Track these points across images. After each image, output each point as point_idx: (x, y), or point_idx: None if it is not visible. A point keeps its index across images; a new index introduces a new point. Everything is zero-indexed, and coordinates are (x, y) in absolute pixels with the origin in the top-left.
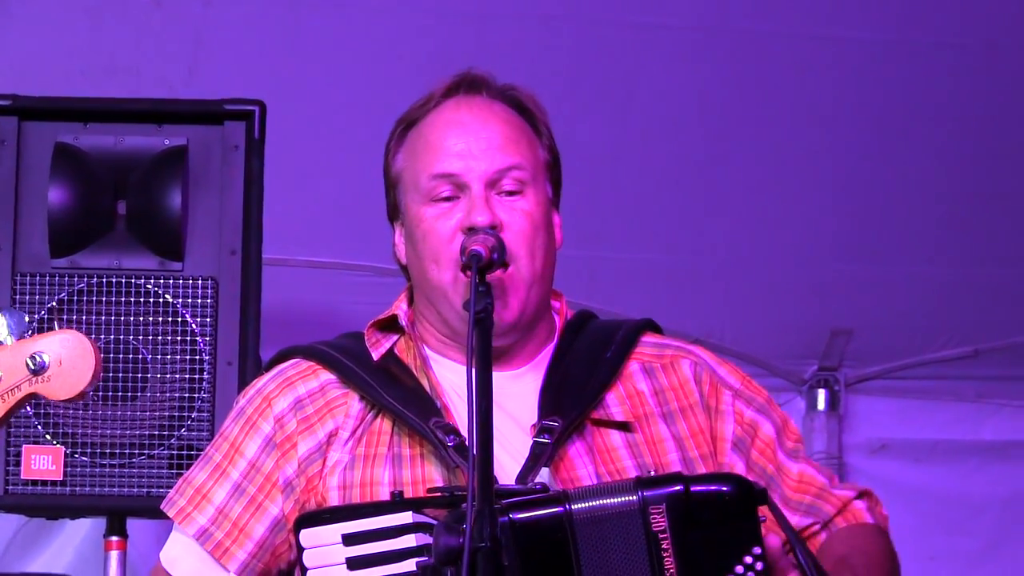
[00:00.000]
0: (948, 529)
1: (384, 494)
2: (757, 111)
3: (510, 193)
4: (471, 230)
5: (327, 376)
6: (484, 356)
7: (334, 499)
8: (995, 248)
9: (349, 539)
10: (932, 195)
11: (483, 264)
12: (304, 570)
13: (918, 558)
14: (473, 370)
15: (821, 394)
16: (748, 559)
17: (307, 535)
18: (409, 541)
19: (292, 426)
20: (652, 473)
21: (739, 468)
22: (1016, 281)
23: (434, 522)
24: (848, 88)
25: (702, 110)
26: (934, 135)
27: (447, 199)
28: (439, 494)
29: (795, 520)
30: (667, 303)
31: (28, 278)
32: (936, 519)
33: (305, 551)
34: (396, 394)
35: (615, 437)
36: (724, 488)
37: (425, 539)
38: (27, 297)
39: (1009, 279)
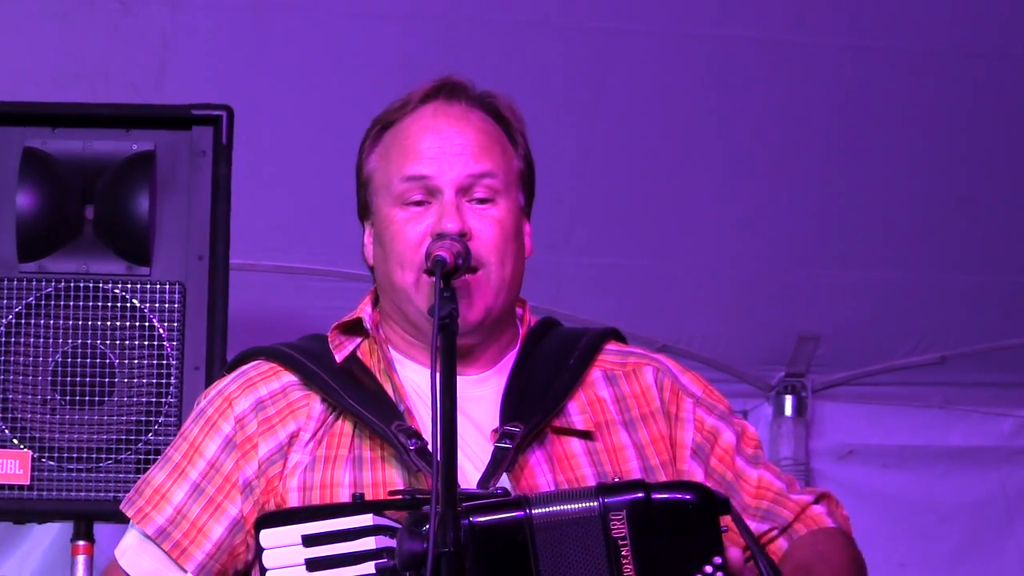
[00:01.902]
0: (917, 535)
1: (344, 496)
2: (724, 116)
3: (481, 201)
4: (439, 236)
5: (289, 378)
6: (448, 361)
7: (294, 500)
8: (963, 254)
9: (309, 540)
10: (900, 201)
11: (448, 270)
12: (263, 571)
13: (887, 564)
14: (437, 374)
15: (788, 400)
16: (708, 568)
17: (267, 536)
18: (369, 543)
19: (253, 427)
20: (615, 480)
21: (698, 475)
22: (983, 287)
23: (395, 524)
24: (816, 93)
25: (669, 115)
26: (902, 141)
27: (418, 203)
28: (400, 496)
29: (753, 526)
30: (634, 308)
31: None
32: (904, 525)
33: (265, 551)
34: (358, 396)
35: (575, 444)
36: (686, 496)
37: (385, 541)
38: None
39: (976, 285)
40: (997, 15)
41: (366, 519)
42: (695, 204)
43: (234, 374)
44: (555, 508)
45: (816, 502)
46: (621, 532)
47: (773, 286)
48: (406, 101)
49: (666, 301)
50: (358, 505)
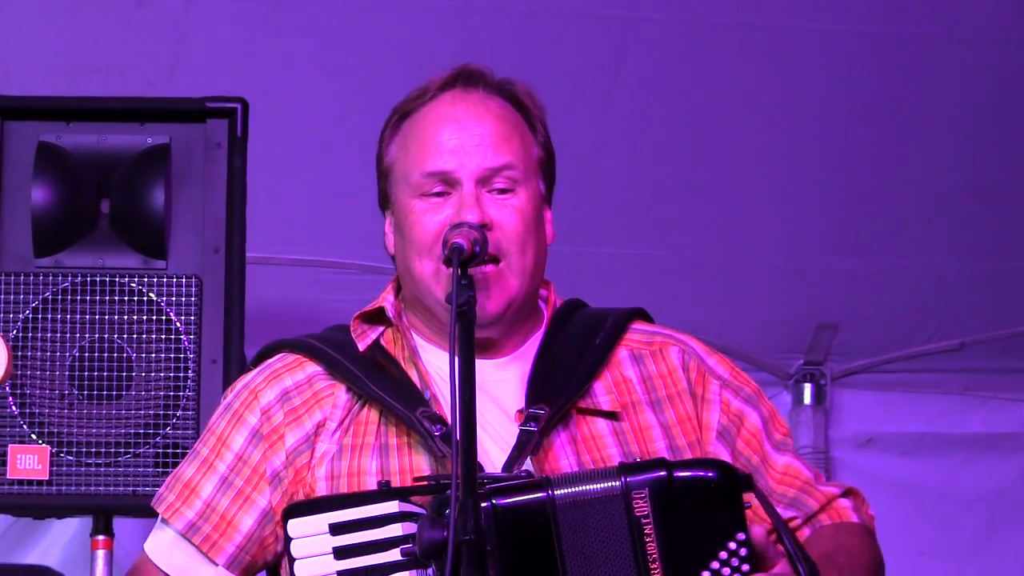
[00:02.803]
0: (937, 523)
1: (371, 484)
2: (742, 105)
3: (501, 191)
4: (457, 225)
5: (314, 368)
6: (467, 349)
7: (322, 489)
8: (980, 241)
9: (336, 528)
10: (917, 189)
11: (465, 257)
12: (292, 560)
13: (908, 552)
14: (456, 363)
15: (807, 388)
16: (732, 544)
17: (295, 525)
18: (396, 530)
19: (279, 418)
20: (637, 459)
21: (724, 457)
22: (1001, 274)
23: (421, 511)
24: (834, 82)
25: (687, 104)
26: (919, 129)
27: (438, 194)
28: (425, 483)
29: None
30: (652, 298)
31: (12, 277)
32: (925, 513)
33: (293, 541)
34: (383, 384)
35: (601, 425)
36: (708, 474)
37: (411, 528)
38: (11, 296)
39: (994, 272)
40: (1018, 1)
41: (392, 506)
42: (712, 193)
43: (259, 367)
44: (578, 488)
45: (843, 496)
46: (644, 511)
47: (791, 274)
48: (424, 90)
49: (684, 290)
50: (384, 492)
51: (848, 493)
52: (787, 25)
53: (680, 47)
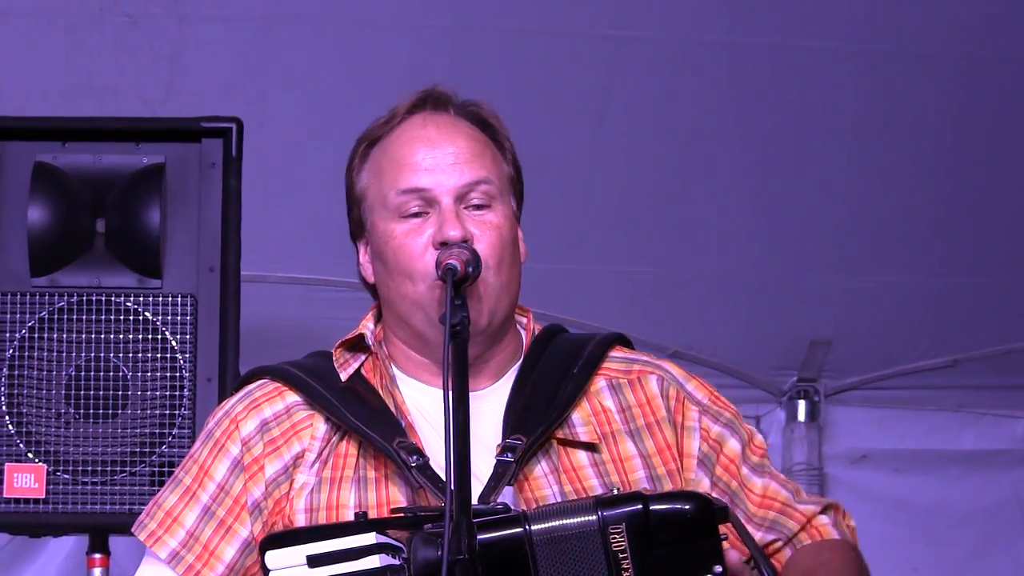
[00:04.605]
0: (930, 539)
1: (350, 517)
2: (734, 123)
3: (478, 207)
4: (444, 244)
5: (293, 398)
6: (461, 369)
7: (301, 522)
8: (973, 258)
9: (314, 560)
10: (910, 206)
11: (458, 277)
12: None
13: (901, 569)
14: (450, 381)
15: (801, 405)
16: None
17: (272, 557)
18: (373, 562)
19: (259, 449)
20: (616, 491)
21: (704, 484)
22: (994, 290)
23: (398, 543)
24: (826, 99)
25: (678, 122)
26: (912, 146)
27: (416, 215)
28: (403, 515)
29: (758, 536)
30: (646, 315)
31: (8, 297)
32: (918, 529)
33: (271, 572)
34: (361, 415)
35: (581, 456)
36: (684, 507)
37: (388, 560)
38: (7, 316)
39: (987, 289)
40: (1009, 21)
41: (369, 537)
42: (705, 210)
43: (240, 394)
44: (554, 523)
45: (823, 512)
46: (621, 545)
47: (784, 291)
48: (392, 115)
49: (677, 307)
50: (361, 524)
51: (827, 508)
52: (778, 43)
53: (671, 65)
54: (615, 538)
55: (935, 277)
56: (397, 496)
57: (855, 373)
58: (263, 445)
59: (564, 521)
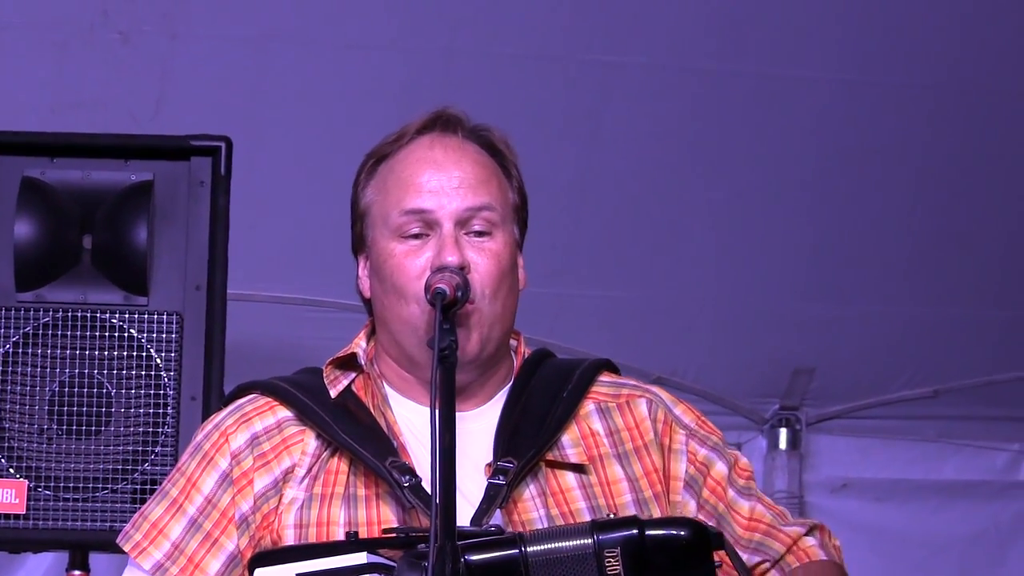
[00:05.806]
0: (910, 569)
1: (339, 534)
2: (720, 149)
3: (479, 234)
4: (439, 269)
5: (284, 413)
6: (448, 393)
7: (290, 537)
8: (956, 288)
9: None
10: (894, 235)
11: (447, 302)
12: None
13: None
14: (437, 404)
15: (783, 433)
16: None
17: (261, 574)
18: None
19: (248, 463)
20: (609, 515)
21: (691, 507)
22: (977, 321)
23: (390, 563)
24: (810, 128)
25: (665, 148)
26: (896, 175)
27: (416, 236)
28: (394, 535)
29: (744, 558)
30: (630, 341)
31: None
32: (898, 559)
33: None
34: (353, 432)
35: (570, 478)
36: (680, 532)
37: None
38: None
39: (970, 319)
40: (991, 51)
41: (360, 557)
42: (690, 237)
43: (230, 408)
44: (550, 546)
45: (808, 533)
46: (616, 569)
47: (768, 319)
48: (402, 133)
49: (661, 334)
50: (352, 543)
51: (813, 529)
52: (766, 72)
53: (661, 91)
54: (610, 562)
55: (918, 307)
56: (387, 515)
57: (837, 402)
58: (253, 459)
59: (560, 544)
